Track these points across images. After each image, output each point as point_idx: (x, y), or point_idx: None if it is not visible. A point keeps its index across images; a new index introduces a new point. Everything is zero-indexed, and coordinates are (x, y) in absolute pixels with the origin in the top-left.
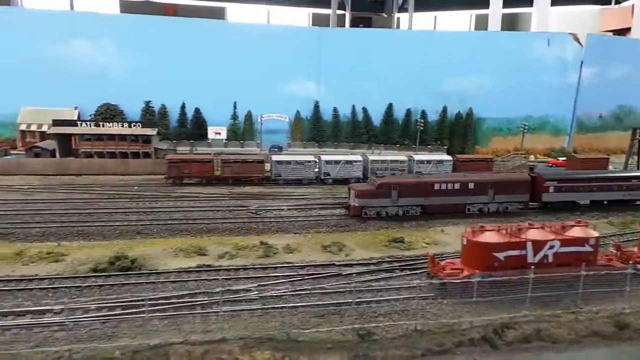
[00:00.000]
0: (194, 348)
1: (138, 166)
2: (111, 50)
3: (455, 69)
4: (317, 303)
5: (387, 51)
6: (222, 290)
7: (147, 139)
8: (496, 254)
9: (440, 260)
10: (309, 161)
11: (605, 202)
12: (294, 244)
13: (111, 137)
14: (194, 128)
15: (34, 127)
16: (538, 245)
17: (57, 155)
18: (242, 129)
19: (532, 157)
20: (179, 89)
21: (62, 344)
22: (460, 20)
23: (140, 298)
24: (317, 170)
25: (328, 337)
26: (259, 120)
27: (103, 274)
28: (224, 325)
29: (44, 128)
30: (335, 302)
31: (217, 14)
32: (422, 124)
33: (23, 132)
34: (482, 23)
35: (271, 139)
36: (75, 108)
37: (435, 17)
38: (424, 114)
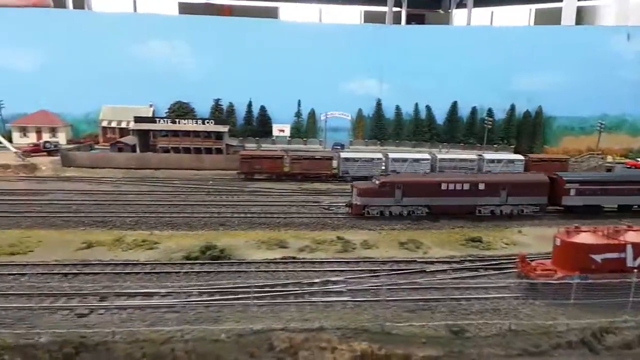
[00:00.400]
0: (295, 335)
1: (211, 161)
2: (183, 50)
3: (522, 65)
4: (406, 298)
5: (450, 48)
6: (315, 282)
7: (219, 136)
8: (593, 256)
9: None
10: (376, 159)
11: (636, 207)
12: (371, 240)
13: (186, 133)
14: (259, 125)
15: (114, 124)
16: (639, 248)
17: (138, 150)
18: (305, 127)
19: (609, 158)
20: (245, 87)
21: (173, 324)
22: (518, 15)
23: (238, 285)
24: (384, 167)
25: (421, 332)
26: (322, 118)
27: (196, 261)
28: (319, 315)
29: (123, 124)
30: (426, 298)
31: (270, 13)
32: (490, 123)
33: (104, 128)
34: (543, 18)
35: (333, 137)
36: (150, 105)
37: (492, 12)
38: (490, 112)
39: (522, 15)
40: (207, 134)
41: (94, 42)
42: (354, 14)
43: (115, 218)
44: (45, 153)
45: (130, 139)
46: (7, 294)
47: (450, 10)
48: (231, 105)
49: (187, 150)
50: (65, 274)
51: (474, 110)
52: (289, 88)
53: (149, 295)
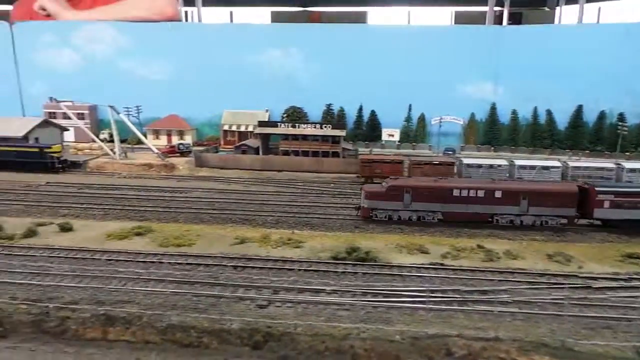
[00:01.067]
0: (472, 343)
1: (330, 165)
2: (293, 57)
3: None
4: (584, 315)
5: (572, 49)
6: (475, 290)
7: (336, 140)
8: None
9: None
10: (501, 165)
11: None
12: (513, 250)
13: (304, 137)
14: (369, 130)
15: (234, 127)
16: None
17: (260, 152)
18: (415, 131)
19: None
20: (353, 92)
21: (347, 321)
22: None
23: (400, 288)
24: (508, 175)
25: (605, 352)
26: (433, 122)
27: (343, 262)
28: (491, 325)
29: (242, 128)
30: (603, 315)
31: (359, 18)
32: (625, 128)
33: (225, 131)
34: None
35: (443, 142)
36: (266, 110)
37: (600, 8)
38: (622, 117)
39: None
40: (325, 138)
41: (214, 51)
42: (444, 15)
43: (257, 217)
44: (178, 154)
45: (253, 142)
46: (193, 282)
47: (556, 7)
48: (342, 110)
49: (305, 154)
50: (234, 267)
51: (602, 115)
52: (401, 93)
53: (316, 291)
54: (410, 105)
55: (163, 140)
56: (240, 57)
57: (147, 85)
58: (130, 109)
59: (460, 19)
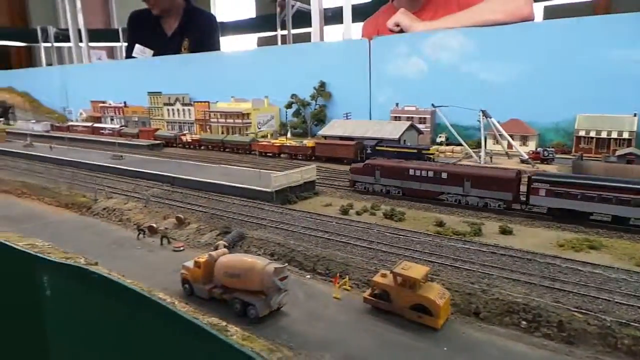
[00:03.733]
0: None
1: None
2: None
3: None
4: None
5: None
6: None
7: None
8: None
9: None
10: None
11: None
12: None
13: None
14: None
15: (592, 134)
16: None
17: None
18: None
19: None
20: None
21: None
22: None
23: None
24: None
25: None
26: None
27: None
28: None
29: (602, 135)
30: None
31: None
32: None
33: (578, 137)
34: None
35: None
36: (634, 115)
37: None
38: None
39: None
40: None
41: (565, 49)
42: None
43: None
44: (539, 161)
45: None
46: None
47: None
48: None
49: None
50: None
51: None
52: None
53: None
54: None
55: (503, 146)
56: (598, 54)
57: (489, 89)
58: (480, 113)
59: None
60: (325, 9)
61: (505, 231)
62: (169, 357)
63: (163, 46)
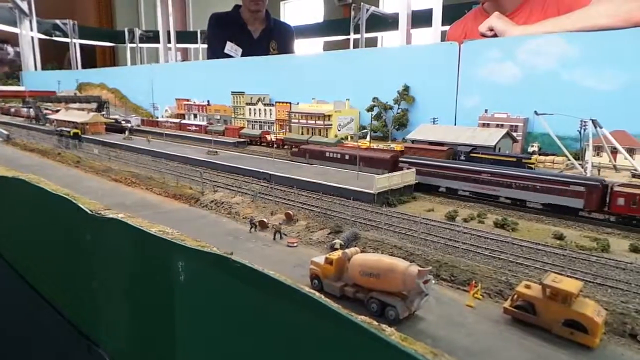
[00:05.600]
0: None
1: None
2: None
3: None
4: None
5: None
6: None
7: None
8: None
9: None
10: None
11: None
12: None
13: None
14: None
15: None
16: None
17: None
18: None
19: None
20: None
21: None
22: None
23: None
24: None
25: None
26: None
27: None
28: None
29: None
30: None
31: None
32: None
33: None
34: None
35: None
36: None
37: None
38: None
39: None
40: None
41: None
42: None
43: None
44: None
45: None
46: None
47: None
48: None
49: None
50: None
51: None
52: None
53: None
54: None
55: (604, 159)
56: None
57: (592, 98)
58: (587, 122)
59: None
60: (390, 14)
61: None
62: (326, 354)
63: (250, 47)
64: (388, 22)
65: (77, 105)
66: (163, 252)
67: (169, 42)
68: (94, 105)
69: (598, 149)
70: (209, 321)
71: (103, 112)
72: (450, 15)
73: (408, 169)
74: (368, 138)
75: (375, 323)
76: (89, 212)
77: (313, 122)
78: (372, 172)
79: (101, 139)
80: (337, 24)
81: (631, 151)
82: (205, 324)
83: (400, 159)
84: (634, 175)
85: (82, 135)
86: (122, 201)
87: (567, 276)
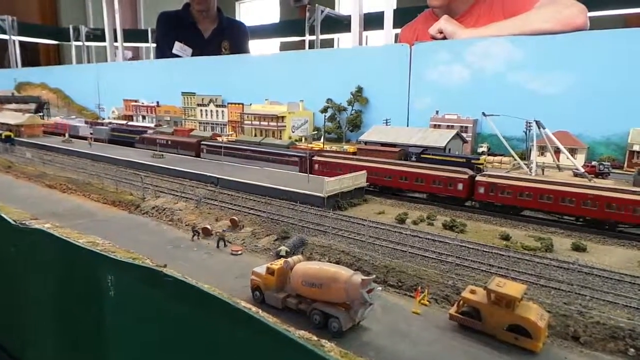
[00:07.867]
0: None
1: None
2: None
3: None
4: None
5: None
6: None
7: None
8: None
9: None
10: None
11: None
12: None
13: None
14: None
15: None
16: None
17: None
18: None
19: None
20: None
21: None
22: None
23: None
24: None
25: None
26: None
27: None
28: None
29: None
30: None
31: None
32: None
33: (632, 152)
34: None
35: None
36: None
37: None
38: None
39: None
40: None
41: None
42: None
43: None
44: (593, 175)
45: None
46: None
47: None
48: None
49: None
50: None
51: None
52: None
53: None
54: None
55: (548, 159)
56: None
57: (536, 100)
58: (530, 123)
59: None
60: (345, 16)
61: None
62: None
63: (201, 47)
64: (343, 24)
65: (13, 106)
66: (92, 266)
67: (116, 40)
68: (32, 106)
69: (542, 149)
70: (140, 339)
71: (41, 114)
72: (403, 18)
73: (209, 151)
74: (322, 140)
75: (315, 338)
76: (13, 223)
77: (266, 123)
78: (183, 154)
79: (37, 142)
80: (292, 25)
81: (573, 151)
82: (137, 343)
83: (203, 143)
84: (575, 174)
85: (16, 138)
86: (54, 209)
87: (512, 279)
